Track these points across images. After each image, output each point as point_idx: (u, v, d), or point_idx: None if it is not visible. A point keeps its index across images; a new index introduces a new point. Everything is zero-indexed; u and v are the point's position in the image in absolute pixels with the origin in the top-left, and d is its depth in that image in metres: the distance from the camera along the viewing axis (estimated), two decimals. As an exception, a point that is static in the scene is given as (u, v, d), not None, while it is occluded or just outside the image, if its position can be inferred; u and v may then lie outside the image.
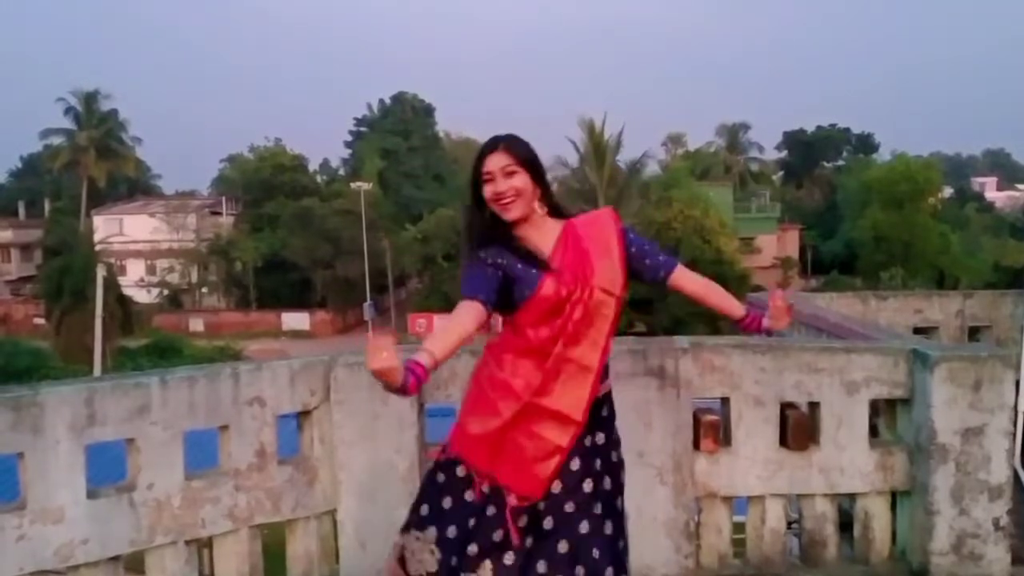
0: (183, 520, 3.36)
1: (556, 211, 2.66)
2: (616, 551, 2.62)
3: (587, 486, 2.57)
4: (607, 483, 2.63)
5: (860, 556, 3.91)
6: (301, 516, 3.66)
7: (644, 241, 2.71)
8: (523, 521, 2.51)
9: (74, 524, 3.12)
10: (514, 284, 2.53)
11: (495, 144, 2.58)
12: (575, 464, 2.56)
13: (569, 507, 2.54)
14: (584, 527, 2.54)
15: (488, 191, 2.56)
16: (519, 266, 2.55)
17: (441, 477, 2.63)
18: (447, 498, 2.60)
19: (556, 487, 2.53)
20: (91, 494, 3.18)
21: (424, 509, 2.65)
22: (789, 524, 3.99)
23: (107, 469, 3.44)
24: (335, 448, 3.66)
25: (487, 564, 2.49)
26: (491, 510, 2.52)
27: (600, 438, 2.63)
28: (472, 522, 2.54)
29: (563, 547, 2.51)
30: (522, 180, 2.55)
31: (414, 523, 2.66)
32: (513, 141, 2.59)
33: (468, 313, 2.39)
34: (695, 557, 3.80)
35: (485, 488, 2.54)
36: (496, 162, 2.55)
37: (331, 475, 3.67)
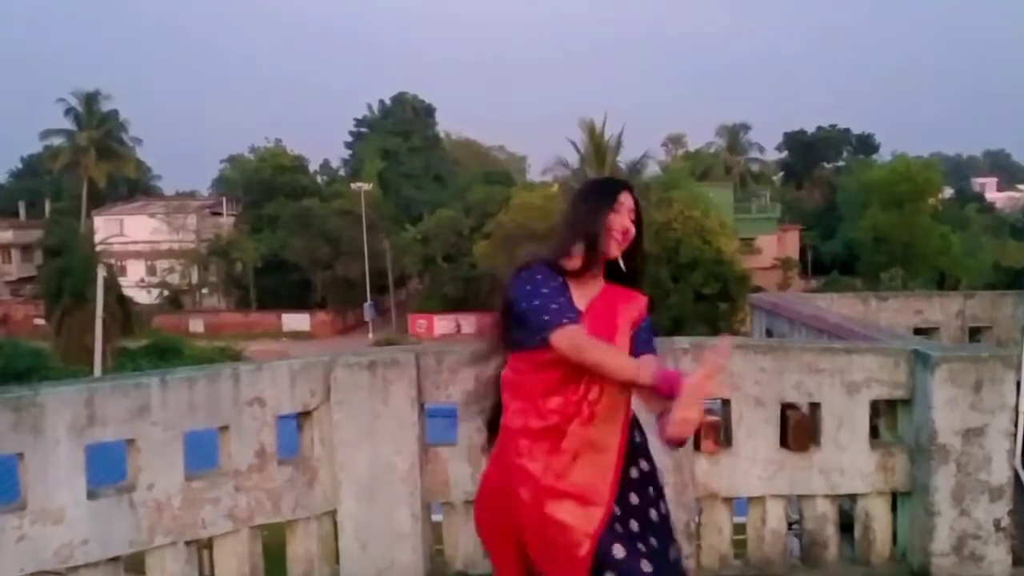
0: (183, 521, 3.36)
1: (629, 270, 2.60)
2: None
3: (634, 524, 2.45)
4: (660, 510, 2.52)
5: (861, 557, 3.91)
6: (301, 517, 3.65)
7: (652, 339, 2.62)
8: None
9: (74, 525, 3.12)
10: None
11: (631, 187, 2.61)
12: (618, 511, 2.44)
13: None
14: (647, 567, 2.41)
15: (617, 221, 2.52)
16: (559, 301, 2.44)
17: None
18: None
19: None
20: (91, 495, 3.17)
21: None
22: (790, 525, 3.99)
23: (107, 470, 3.43)
24: (335, 448, 3.65)
25: None
26: None
27: (644, 465, 2.53)
28: None
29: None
30: (632, 230, 2.55)
31: None
32: (633, 187, 2.64)
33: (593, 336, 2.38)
34: (696, 558, 3.80)
35: None
36: (629, 202, 2.56)
37: (331, 475, 3.67)
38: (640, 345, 2.55)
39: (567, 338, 2.34)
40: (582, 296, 2.50)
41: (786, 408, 3.85)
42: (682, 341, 3.82)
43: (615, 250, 2.52)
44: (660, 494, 2.57)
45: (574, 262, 2.51)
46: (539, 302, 2.41)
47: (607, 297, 2.55)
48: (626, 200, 2.56)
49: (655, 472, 2.58)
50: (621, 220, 2.53)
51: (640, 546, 2.40)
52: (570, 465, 2.40)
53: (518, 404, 2.48)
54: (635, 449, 2.53)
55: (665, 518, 2.53)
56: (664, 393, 2.33)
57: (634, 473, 2.50)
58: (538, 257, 2.54)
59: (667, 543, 2.48)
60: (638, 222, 2.58)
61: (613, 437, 2.45)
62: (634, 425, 2.56)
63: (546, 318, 2.37)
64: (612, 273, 2.58)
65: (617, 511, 2.42)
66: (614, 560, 2.36)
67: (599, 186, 2.67)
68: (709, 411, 3.88)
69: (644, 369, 2.34)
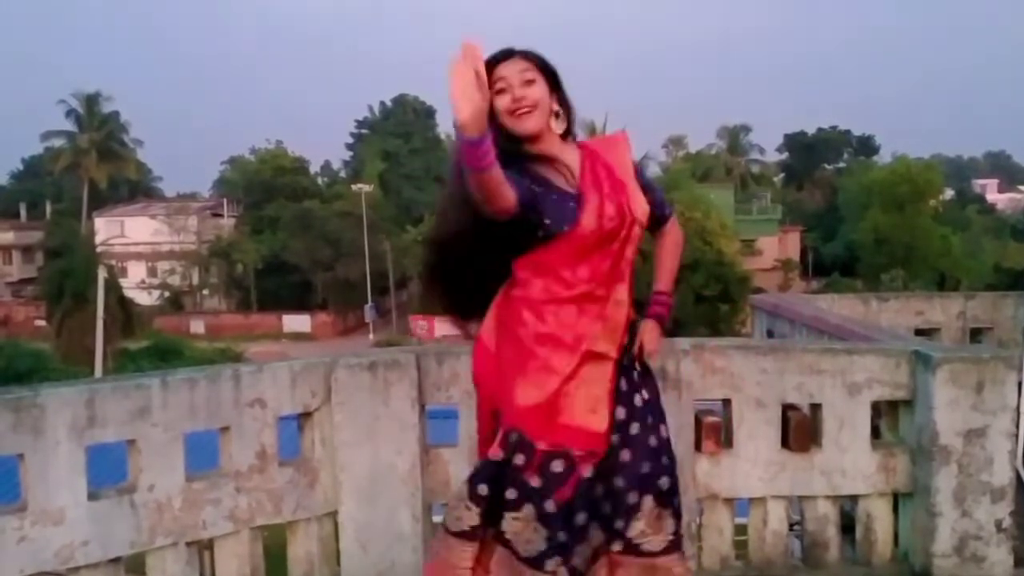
0: (184, 522, 3.35)
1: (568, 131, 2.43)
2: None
3: (635, 428, 2.45)
4: (650, 419, 2.49)
5: (862, 558, 3.90)
6: (302, 518, 3.65)
7: (645, 169, 2.59)
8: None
9: (75, 525, 3.11)
10: (543, 215, 2.29)
11: (510, 52, 2.34)
12: (621, 413, 2.42)
13: (625, 455, 2.42)
14: (646, 467, 2.44)
15: (504, 101, 2.28)
16: (553, 196, 2.31)
17: (519, 458, 2.35)
18: (527, 476, 2.35)
19: (615, 439, 2.40)
20: (92, 495, 3.17)
21: (511, 492, 2.37)
22: (791, 526, 3.98)
23: (108, 471, 3.43)
24: (336, 449, 3.65)
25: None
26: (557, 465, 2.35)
27: (635, 376, 2.49)
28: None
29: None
30: (541, 90, 2.32)
31: (510, 504, 2.36)
32: (531, 51, 2.35)
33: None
34: (696, 559, 3.79)
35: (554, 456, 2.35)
36: (512, 68, 2.31)
37: (332, 477, 3.66)
38: (646, 180, 2.53)
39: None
40: (568, 172, 2.37)
41: (787, 409, 3.85)
42: (683, 342, 3.81)
43: (525, 125, 2.30)
44: (653, 404, 2.52)
45: (528, 147, 2.35)
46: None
47: (594, 154, 2.43)
48: (509, 68, 2.30)
49: (647, 380, 2.54)
50: (510, 96, 2.29)
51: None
52: (599, 329, 2.37)
53: (533, 280, 2.38)
54: (628, 354, 2.48)
55: (655, 427, 2.49)
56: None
57: (623, 385, 2.45)
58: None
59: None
60: (545, 73, 2.33)
61: (625, 290, 2.43)
62: (631, 329, 2.49)
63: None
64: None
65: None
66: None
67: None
68: (710, 412, 3.88)
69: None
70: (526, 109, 2.29)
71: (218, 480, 3.46)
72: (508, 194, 2.15)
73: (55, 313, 34.29)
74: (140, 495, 3.26)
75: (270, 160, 55.24)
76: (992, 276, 41.96)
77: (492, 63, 2.28)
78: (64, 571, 3.11)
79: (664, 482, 2.48)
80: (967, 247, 46.22)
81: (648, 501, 2.44)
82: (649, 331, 2.57)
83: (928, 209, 46.69)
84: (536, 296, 2.37)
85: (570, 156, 2.40)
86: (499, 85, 2.28)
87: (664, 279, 2.68)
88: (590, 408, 2.37)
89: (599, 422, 2.37)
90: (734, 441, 3.80)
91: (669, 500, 2.49)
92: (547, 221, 2.30)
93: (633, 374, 2.50)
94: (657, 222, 2.59)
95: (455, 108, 1.94)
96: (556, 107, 2.38)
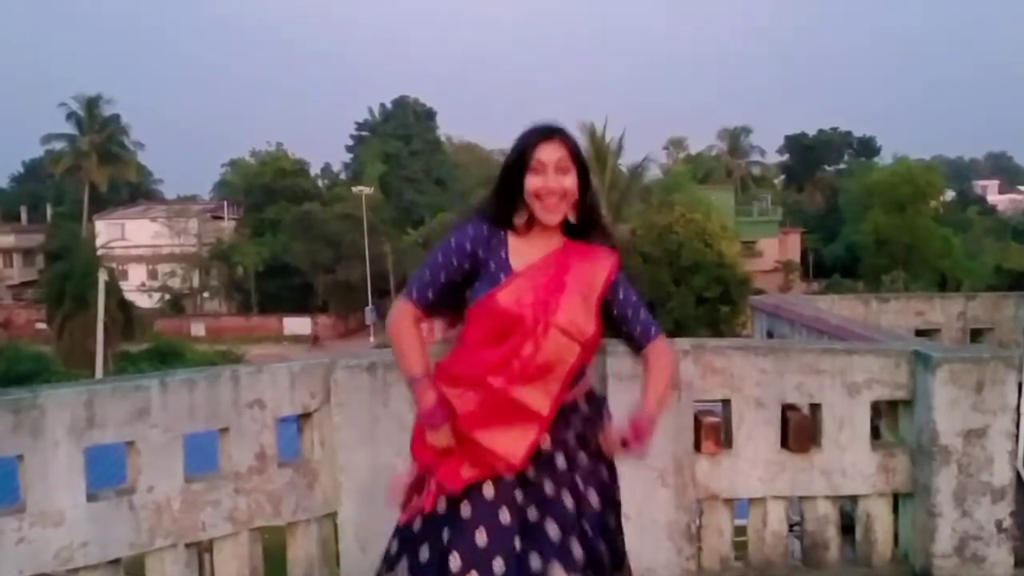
0: (183, 523, 3.35)
1: (580, 223, 2.36)
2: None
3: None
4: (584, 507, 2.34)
5: (862, 558, 3.90)
6: (301, 519, 3.65)
7: (632, 293, 2.40)
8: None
9: (74, 527, 3.11)
10: (479, 278, 2.30)
11: (552, 132, 2.29)
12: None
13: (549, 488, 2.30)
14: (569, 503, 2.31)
15: (536, 183, 2.25)
16: (493, 264, 2.30)
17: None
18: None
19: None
20: (91, 497, 3.17)
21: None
22: (791, 526, 3.98)
23: (108, 473, 3.43)
24: (335, 451, 3.65)
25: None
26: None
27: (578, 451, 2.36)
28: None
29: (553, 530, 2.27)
30: (571, 181, 2.27)
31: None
32: (569, 135, 2.31)
33: (412, 323, 2.37)
34: (696, 559, 3.79)
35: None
36: (551, 153, 2.26)
37: (331, 478, 3.66)
38: (621, 305, 2.36)
39: (393, 308, 2.42)
40: (527, 251, 2.31)
41: (787, 409, 3.85)
42: (683, 343, 3.81)
43: (550, 216, 2.27)
44: (602, 493, 2.36)
45: (520, 217, 2.32)
46: (427, 262, 2.38)
47: (563, 254, 2.33)
48: (548, 152, 2.26)
49: (596, 465, 2.37)
50: (543, 182, 2.25)
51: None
52: (492, 422, 2.28)
53: (456, 354, 2.41)
54: (568, 423, 2.34)
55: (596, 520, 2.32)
56: (427, 421, 2.35)
57: (547, 446, 2.31)
58: (488, 208, 2.36)
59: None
60: (582, 170, 2.30)
61: (544, 403, 2.28)
62: (572, 408, 2.35)
63: (410, 280, 2.38)
64: (574, 230, 2.36)
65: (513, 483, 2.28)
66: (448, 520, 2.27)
67: (519, 141, 2.32)
68: (710, 413, 3.88)
69: (415, 373, 2.36)
70: (555, 199, 2.27)
71: (217, 481, 3.45)
72: (420, 336, 2.40)
73: (56, 316, 34.29)
74: (139, 496, 3.26)
75: (270, 162, 55.23)
76: (993, 277, 41.90)
77: (533, 139, 2.29)
78: (63, 573, 3.11)
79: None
80: (968, 248, 46.18)
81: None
82: (609, 435, 2.35)
83: (929, 210, 46.64)
84: (449, 369, 2.39)
85: (550, 241, 2.35)
86: (535, 166, 2.27)
87: (647, 400, 2.39)
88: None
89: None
90: (734, 441, 3.79)
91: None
92: (476, 283, 2.32)
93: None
94: (636, 342, 2.44)
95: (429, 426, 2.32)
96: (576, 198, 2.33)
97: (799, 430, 3.82)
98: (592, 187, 2.38)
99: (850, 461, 3.81)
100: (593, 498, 2.35)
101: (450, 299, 2.38)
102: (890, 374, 3.83)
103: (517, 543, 2.25)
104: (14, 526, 3.02)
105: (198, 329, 47.90)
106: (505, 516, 2.27)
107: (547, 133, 2.29)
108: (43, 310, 39.56)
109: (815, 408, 3.85)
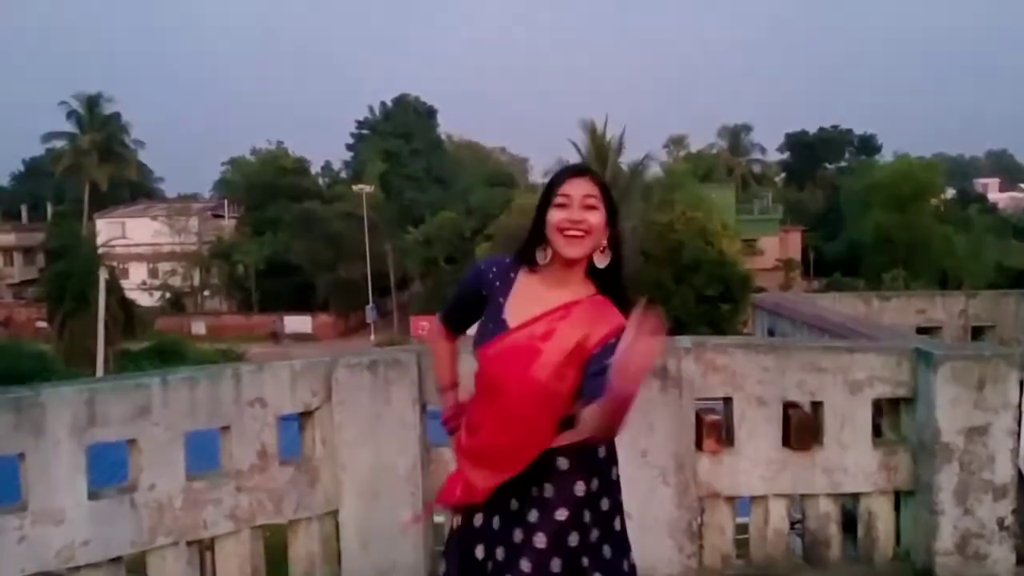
0: (184, 521, 3.35)
1: (608, 272, 2.29)
2: None
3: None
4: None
5: (864, 556, 3.90)
6: (303, 517, 3.65)
7: (601, 369, 2.05)
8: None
9: (75, 525, 3.11)
10: (486, 315, 2.33)
11: (582, 170, 2.32)
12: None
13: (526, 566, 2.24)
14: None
15: (559, 216, 2.23)
16: (493, 307, 2.31)
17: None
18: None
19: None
20: (92, 495, 3.17)
21: None
22: (792, 524, 3.98)
23: (110, 471, 3.43)
24: (337, 449, 3.65)
25: None
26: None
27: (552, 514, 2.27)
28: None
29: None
30: (598, 218, 2.24)
31: None
32: (600, 176, 2.32)
33: (442, 340, 2.63)
34: (698, 557, 3.79)
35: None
36: (579, 188, 2.25)
37: (333, 476, 3.66)
38: (588, 378, 2.14)
39: (431, 325, 2.66)
40: (534, 296, 2.28)
41: (788, 407, 3.84)
42: (684, 340, 3.81)
43: (573, 250, 2.23)
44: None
45: (543, 256, 2.29)
46: (453, 294, 2.54)
47: (575, 307, 2.26)
48: (575, 187, 2.24)
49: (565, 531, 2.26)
50: (568, 215, 2.22)
51: None
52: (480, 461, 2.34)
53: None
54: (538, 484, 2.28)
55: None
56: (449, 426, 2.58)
57: (515, 505, 2.29)
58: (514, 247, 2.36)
59: None
60: (607, 204, 2.26)
61: (528, 452, 2.24)
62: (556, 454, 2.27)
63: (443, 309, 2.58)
64: (601, 278, 2.30)
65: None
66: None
67: (550, 179, 2.34)
68: (711, 411, 3.88)
69: (442, 385, 2.62)
70: (580, 233, 2.23)
71: (219, 479, 3.46)
72: (454, 350, 2.67)
73: (56, 315, 34.31)
74: (141, 494, 3.26)
75: (271, 161, 55.26)
76: (994, 275, 41.89)
77: (563, 176, 2.29)
78: (65, 571, 3.11)
79: None
80: (969, 246, 46.11)
81: None
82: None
83: (930, 208, 46.64)
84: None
85: (566, 288, 2.29)
86: (560, 200, 2.25)
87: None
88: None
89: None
90: (735, 439, 3.79)
91: None
92: (485, 325, 2.34)
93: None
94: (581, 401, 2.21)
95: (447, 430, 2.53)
96: (605, 243, 2.28)
97: (801, 428, 3.81)
98: (621, 233, 2.33)
99: (852, 459, 3.81)
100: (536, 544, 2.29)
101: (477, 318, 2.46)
102: (891, 372, 3.82)
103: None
104: (16, 524, 3.02)
105: (199, 327, 47.90)
106: (480, 552, 2.35)
107: (577, 170, 2.32)
108: (44, 309, 39.59)
109: (817, 406, 3.85)
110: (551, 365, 2.21)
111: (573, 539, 2.27)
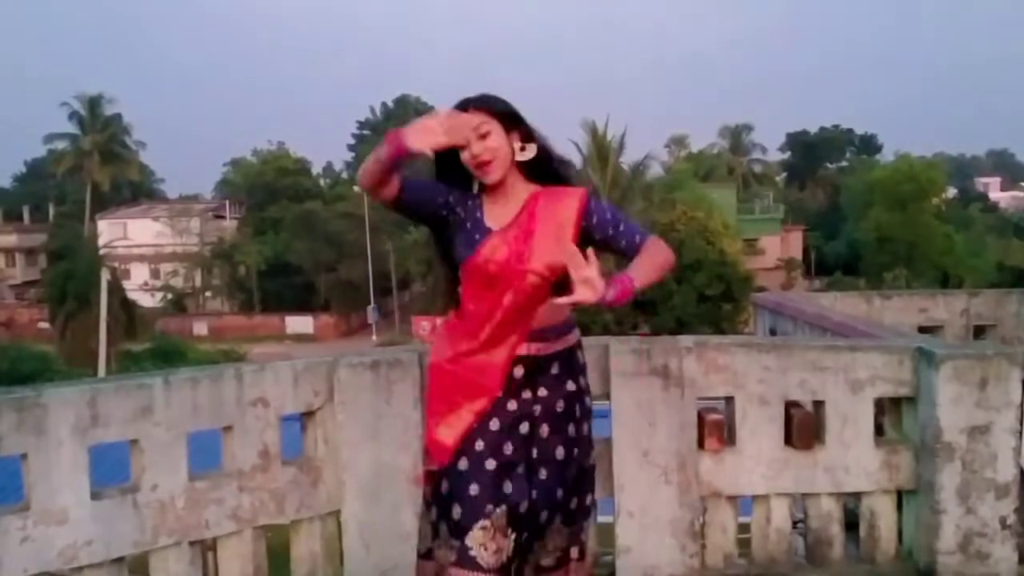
0: (187, 521, 3.35)
1: (542, 170, 2.52)
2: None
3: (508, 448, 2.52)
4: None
5: (866, 555, 3.89)
6: (305, 517, 3.65)
7: (609, 212, 2.52)
8: None
9: (78, 525, 3.12)
10: (459, 237, 2.50)
11: (464, 106, 2.45)
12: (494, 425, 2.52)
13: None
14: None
15: (464, 156, 2.44)
16: (470, 224, 2.50)
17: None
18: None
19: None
20: (95, 495, 3.17)
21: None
22: (794, 523, 3.98)
23: (112, 471, 3.43)
24: (339, 449, 3.65)
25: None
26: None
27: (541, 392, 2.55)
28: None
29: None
30: (497, 139, 2.43)
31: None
32: (483, 99, 2.47)
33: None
34: (700, 557, 3.79)
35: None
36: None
37: (335, 476, 3.66)
38: (600, 228, 2.47)
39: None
40: (501, 211, 2.50)
41: (790, 406, 3.84)
42: (686, 339, 3.81)
43: (489, 177, 2.45)
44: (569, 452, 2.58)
45: (477, 185, 2.54)
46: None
47: (531, 203, 2.49)
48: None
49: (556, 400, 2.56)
50: (467, 152, 2.42)
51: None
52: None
53: (454, 319, 2.63)
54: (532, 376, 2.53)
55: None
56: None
57: (512, 405, 2.52)
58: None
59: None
60: (498, 118, 2.43)
61: (515, 344, 2.49)
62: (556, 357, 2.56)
63: None
64: (538, 173, 2.52)
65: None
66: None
67: None
68: (713, 410, 3.88)
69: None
70: (485, 162, 2.43)
71: (221, 480, 3.46)
72: (393, 185, 2.42)
73: (58, 316, 34.37)
74: (143, 495, 3.26)
75: (272, 161, 55.32)
76: (995, 274, 41.90)
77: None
78: (67, 571, 3.11)
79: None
80: (970, 245, 46.12)
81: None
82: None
83: (931, 208, 46.61)
84: (452, 326, 2.62)
85: (519, 194, 2.51)
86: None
87: (633, 268, 2.45)
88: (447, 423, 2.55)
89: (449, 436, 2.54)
90: (737, 438, 3.79)
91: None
92: (458, 247, 2.51)
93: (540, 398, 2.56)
94: (628, 254, 2.51)
95: (425, 129, 2.28)
96: (519, 143, 2.48)
97: (802, 427, 3.81)
98: (531, 128, 2.50)
99: (853, 458, 3.81)
100: (559, 451, 2.57)
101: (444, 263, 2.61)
102: (893, 371, 3.82)
103: (507, 487, 2.49)
104: (18, 525, 3.02)
105: (200, 328, 47.94)
106: (491, 463, 2.49)
107: (458, 108, 2.45)
108: (46, 309, 39.64)
109: (818, 405, 3.85)
110: (546, 247, 2.42)
111: (571, 430, 2.59)
